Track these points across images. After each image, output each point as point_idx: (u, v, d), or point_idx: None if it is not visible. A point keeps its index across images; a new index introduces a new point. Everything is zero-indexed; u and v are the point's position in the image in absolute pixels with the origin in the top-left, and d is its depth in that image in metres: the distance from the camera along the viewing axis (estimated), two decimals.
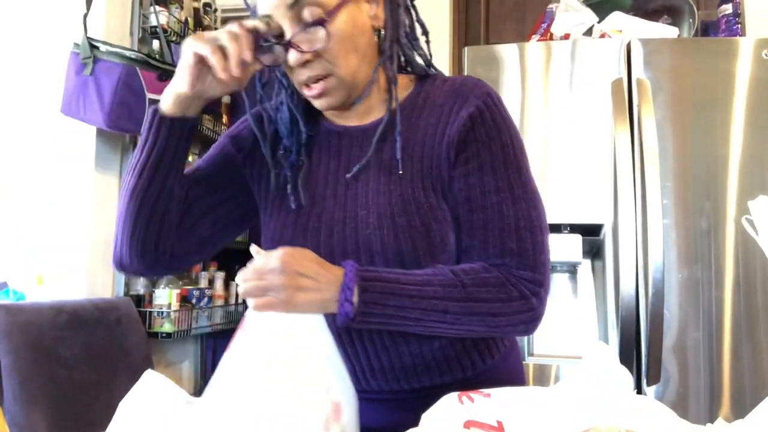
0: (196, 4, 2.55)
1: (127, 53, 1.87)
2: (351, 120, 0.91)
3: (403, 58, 0.90)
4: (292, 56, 0.80)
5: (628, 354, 1.70)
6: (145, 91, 1.90)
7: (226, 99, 2.71)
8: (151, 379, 0.74)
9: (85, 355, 1.72)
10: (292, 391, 0.68)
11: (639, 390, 1.69)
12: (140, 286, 2.14)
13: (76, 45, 1.86)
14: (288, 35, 0.79)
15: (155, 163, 0.83)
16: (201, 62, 0.77)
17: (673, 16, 2.18)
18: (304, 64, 0.80)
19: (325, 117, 0.93)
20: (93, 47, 1.85)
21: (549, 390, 0.67)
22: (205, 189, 0.92)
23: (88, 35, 1.85)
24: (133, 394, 0.73)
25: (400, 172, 0.84)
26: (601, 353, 0.70)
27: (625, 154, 1.75)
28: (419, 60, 0.92)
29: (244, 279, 0.70)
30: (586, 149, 1.83)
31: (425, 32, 0.93)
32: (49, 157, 2.00)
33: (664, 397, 1.70)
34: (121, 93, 1.84)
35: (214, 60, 0.74)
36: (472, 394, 0.66)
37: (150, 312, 2.10)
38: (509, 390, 0.67)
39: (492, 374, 0.87)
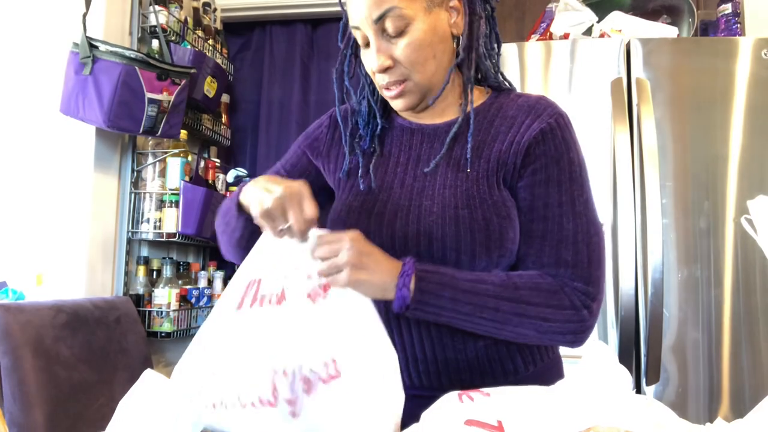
0: (195, 4, 2.55)
1: (127, 53, 1.87)
2: (425, 119, 0.97)
3: (475, 67, 0.94)
4: (374, 63, 0.87)
5: (628, 353, 1.70)
6: (144, 91, 1.90)
7: (225, 98, 2.71)
8: (150, 379, 0.74)
9: (85, 354, 1.72)
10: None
11: (638, 390, 1.70)
12: (139, 285, 2.14)
13: (76, 44, 1.86)
14: (373, 45, 0.87)
15: (245, 231, 0.91)
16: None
17: (673, 15, 2.18)
18: (385, 70, 0.87)
19: (400, 114, 1.00)
20: (92, 47, 1.84)
21: (548, 390, 0.67)
22: None
23: (87, 35, 1.84)
24: (133, 394, 0.73)
25: (468, 170, 0.88)
26: (601, 353, 0.70)
27: (625, 153, 1.75)
28: (492, 70, 0.97)
29: (318, 248, 0.77)
30: (586, 149, 1.82)
31: (498, 44, 0.98)
32: (49, 157, 2.00)
33: (663, 396, 1.70)
34: (120, 92, 1.84)
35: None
36: (473, 393, 0.66)
37: (149, 311, 2.10)
38: (509, 389, 0.67)
39: (535, 383, 0.87)
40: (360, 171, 0.96)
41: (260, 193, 0.80)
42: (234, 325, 0.76)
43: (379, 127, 0.98)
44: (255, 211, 0.80)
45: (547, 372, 0.95)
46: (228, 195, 2.45)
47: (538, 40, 2.17)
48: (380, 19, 0.84)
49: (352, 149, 0.99)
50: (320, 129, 1.05)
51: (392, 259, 0.81)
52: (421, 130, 0.96)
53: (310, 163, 1.04)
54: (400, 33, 0.85)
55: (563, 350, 1.01)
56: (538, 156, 0.87)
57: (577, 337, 0.85)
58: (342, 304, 0.75)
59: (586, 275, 0.85)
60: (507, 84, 0.99)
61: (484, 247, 0.85)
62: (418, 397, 0.90)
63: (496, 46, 0.98)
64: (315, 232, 0.78)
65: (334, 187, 1.02)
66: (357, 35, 0.89)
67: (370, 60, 0.88)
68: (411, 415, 0.74)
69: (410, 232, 0.88)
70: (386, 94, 0.91)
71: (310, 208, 0.78)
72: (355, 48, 0.96)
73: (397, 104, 0.92)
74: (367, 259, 0.77)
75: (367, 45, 0.89)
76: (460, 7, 0.90)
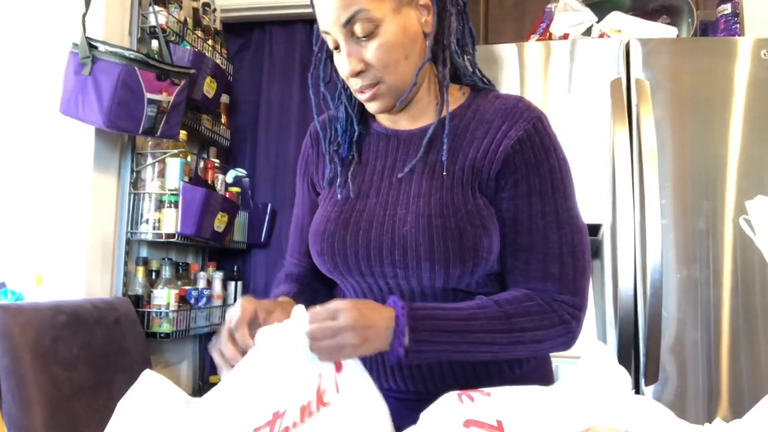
0: (195, 4, 2.55)
1: (126, 53, 1.87)
2: (401, 124, 0.95)
3: (450, 65, 0.92)
4: (346, 68, 0.86)
5: (627, 354, 1.70)
6: (144, 91, 1.90)
7: (224, 99, 2.71)
8: (149, 379, 0.74)
9: (84, 355, 1.72)
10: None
11: (637, 390, 1.70)
12: (138, 286, 2.13)
13: (75, 45, 1.86)
14: (343, 49, 0.85)
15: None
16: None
17: (672, 15, 2.18)
18: (357, 74, 0.86)
19: (377, 120, 0.99)
20: (92, 47, 1.84)
21: (548, 390, 0.67)
22: None
23: (86, 35, 1.84)
24: (132, 394, 0.73)
25: (444, 173, 0.87)
26: (600, 353, 0.70)
27: (624, 154, 1.75)
28: (468, 67, 0.95)
29: (315, 338, 0.73)
30: (585, 149, 1.83)
31: (473, 39, 0.96)
32: (48, 157, 2.00)
33: (662, 396, 1.70)
34: (119, 93, 1.84)
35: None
36: (472, 392, 0.66)
37: (148, 312, 2.10)
38: (509, 389, 0.67)
39: (523, 384, 0.85)
40: (338, 180, 0.95)
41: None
42: None
43: (356, 133, 0.97)
44: None
45: (535, 372, 0.95)
46: (227, 195, 2.45)
47: (537, 40, 2.17)
48: (348, 23, 0.83)
49: (332, 157, 0.97)
50: (306, 152, 1.05)
51: (386, 317, 0.78)
52: (397, 136, 0.95)
53: (313, 191, 1.03)
54: (370, 35, 0.83)
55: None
56: (518, 166, 0.86)
57: (566, 346, 0.88)
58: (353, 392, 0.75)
59: (572, 288, 0.86)
60: (484, 82, 0.97)
61: (457, 257, 0.84)
62: (407, 401, 0.90)
63: (470, 42, 0.95)
64: (303, 313, 0.75)
65: (320, 197, 1.01)
66: (327, 40, 0.88)
67: (342, 64, 0.87)
68: (403, 417, 0.74)
69: (385, 242, 0.87)
70: (360, 98, 0.90)
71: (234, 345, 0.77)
72: (329, 52, 0.94)
73: (371, 107, 0.91)
74: (367, 332, 0.75)
75: (338, 49, 0.87)
76: (429, 5, 0.88)
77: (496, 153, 0.86)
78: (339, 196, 0.93)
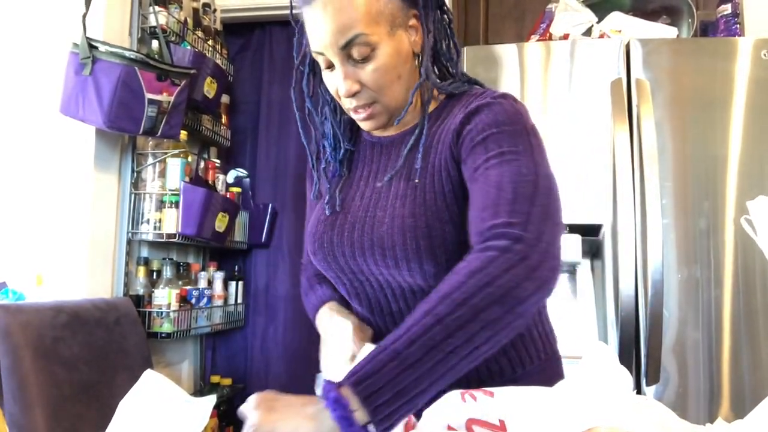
0: (195, 4, 2.55)
1: (126, 53, 1.87)
2: (385, 131, 0.99)
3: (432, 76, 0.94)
4: (342, 88, 0.87)
5: (628, 354, 1.70)
6: (144, 92, 1.90)
7: (225, 99, 2.71)
8: (150, 379, 0.74)
9: (85, 355, 1.72)
10: None
11: (638, 390, 1.70)
12: (139, 286, 2.13)
13: (75, 45, 1.86)
14: (339, 70, 0.87)
15: None
16: None
17: (672, 16, 2.19)
18: (353, 94, 0.88)
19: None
20: (92, 47, 1.84)
21: (550, 390, 0.67)
22: None
23: (87, 35, 1.84)
24: (133, 394, 0.73)
25: (416, 181, 0.89)
26: (601, 353, 0.70)
27: (625, 154, 1.75)
28: (444, 78, 0.97)
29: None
30: (585, 149, 1.83)
31: (458, 53, 0.98)
32: (49, 157, 2.00)
33: (663, 397, 1.70)
34: (120, 93, 1.84)
35: None
36: (475, 392, 0.66)
37: (149, 312, 2.10)
38: (512, 389, 0.67)
39: (527, 384, 0.78)
40: (327, 197, 0.98)
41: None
42: None
43: (342, 151, 1.01)
44: None
45: (541, 373, 0.94)
46: (227, 196, 2.45)
47: (537, 40, 2.17)
48: (346, 46, 0.85)
49: (320, 175, 1.01)
50: (311, 180, 1.08)
51: (312, 400, 0.67)
52: (380, 143, 0.99)
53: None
54: (366, 58, 0.86)
55: (563, 350, 1.00)
56: (466, 134, 0.85)
57: (532, 280, 0.68)
58: None
59: (508, 210, 0.72)
60: (472, 82, 0.98)
61: (429, 252, 0.85)
62: None
63: (455, 55, 0.98)
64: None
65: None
66: (319, 59, 0.90)
67: (337, 85, 0.89)
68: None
69: (365, 243, 0.90)
70: (355, 117, 0.93)
71: None
72: (312, 65, 0.97)
73: (366, 125, 0.94)
74: (275, 402, 0.66)
75: (330, 67, 0.89)
76: (418, 26, 0.91)
77: (452, 136, 0.87)
78: (327, 212, 0.97)
